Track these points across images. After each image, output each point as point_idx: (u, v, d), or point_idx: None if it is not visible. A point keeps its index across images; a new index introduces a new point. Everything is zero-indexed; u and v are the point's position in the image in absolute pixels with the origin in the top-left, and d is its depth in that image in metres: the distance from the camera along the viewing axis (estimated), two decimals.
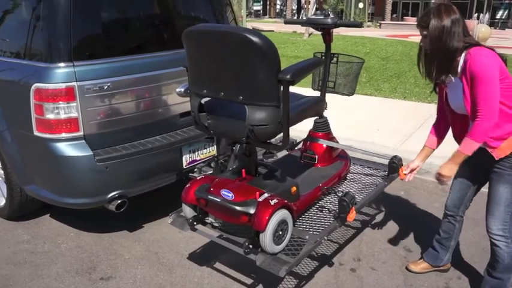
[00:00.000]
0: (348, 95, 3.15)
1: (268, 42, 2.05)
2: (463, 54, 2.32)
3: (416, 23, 2.44)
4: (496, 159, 2.40)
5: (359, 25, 2.89)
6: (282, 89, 2.12)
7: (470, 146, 2.36)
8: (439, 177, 2.52)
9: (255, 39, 2.02)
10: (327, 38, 2.96)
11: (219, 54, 2.18)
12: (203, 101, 2.43)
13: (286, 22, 3.46)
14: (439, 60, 2.38)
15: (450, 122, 2.62)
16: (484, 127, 2.29)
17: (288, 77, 2.07)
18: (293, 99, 2.26)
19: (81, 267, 3.10)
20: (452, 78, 2.42)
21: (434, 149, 2.76)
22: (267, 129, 2.18)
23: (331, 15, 2.80)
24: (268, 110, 2.14)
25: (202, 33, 2.25)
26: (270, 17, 40.65)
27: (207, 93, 2.33)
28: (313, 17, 2.86)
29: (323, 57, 3.00)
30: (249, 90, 2.15)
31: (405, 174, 2.79)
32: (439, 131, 2.72)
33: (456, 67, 2.37)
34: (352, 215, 2.57)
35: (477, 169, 2.64)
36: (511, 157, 2.38)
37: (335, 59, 3.06)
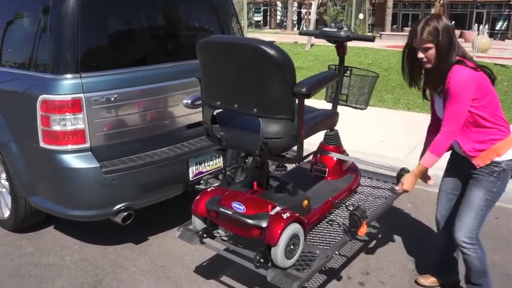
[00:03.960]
0: (361, 109, 3.13)
1: (284, 55, 2.03)
2: None
3: (418, 33, 2.37)
4: (477, 167, 2.48)
5: (372, 39, 2.87)
6: (297, 102, 2.10)
7: (430, 159, 2.50)
8: (403, 191, 2.69)
9: (271, 51, 2.00)
10: (341, 51, 2.96)
11: (234, 66, 2.16)
12: (215, 112, 2.41)
13: (301, 33, 3.47)
14: (441, 73, 2.39)
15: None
16: (444, 143, 2.44)
17: (304, 90, 2.05)
18: (306, 112, 2.24)
19: (86, 280, 3.05)
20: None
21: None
22: (281, 142, 2.16)
23: (345, 28, 2.79)
24: (282, 123, 2.12)
25: (217, 44, 2.24)
26: (270, 28, 40.78)
27: (220, 104, 2.32)
28: (327, 29, 2.86)
29: (337, 70, 2.99)
30: (263, 102, 2.13)
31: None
32: (434, 134, 2.64)
33: None
34: (363, 229, 2.53)
35: (460, 178, 2.69)
36: (490, 165, 2.45)
37: (348, 72, 3.05)
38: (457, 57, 2.38)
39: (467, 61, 2.38)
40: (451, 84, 2.33)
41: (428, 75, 2.53)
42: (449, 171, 2.77)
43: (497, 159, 2.43)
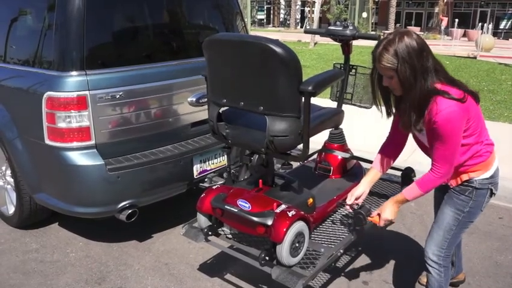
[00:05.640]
0: (366, 108, 3.12)
1: (291, 53, 2.03)
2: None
3: (376, 60, 2.07)
4: (450, 187, 2.34)
5: (377, 38, 2.85)
6: (303, 100, 2.10)
7: (415, 193, 2.26)
8: (385, 222, 2.38)
9: (277, 49, 2.00)
10: (346, 49, 2.95)
11: (240, 63, 2.16)
12: (221, 110, 2.41)
13: (306, 32, 3.45)
14: (412, 105, 2.08)
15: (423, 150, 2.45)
16: (435, 183, 2.20)
17: (310, 88, 2.05)
18: (312, 110, 2.24)
19: (90, 277, 3.06)
20: None
21: (383, 173, 2.58)
22: (287, 140, 2.16)
23: (351, 27, 2.78)
24: (288, 121, 2.13)
25: (223, 42, 2.24)
26: (273, 26, 40.75)
27: (226, 102, 2.32)
28: (333, 27, 2.85)
29: (342, 69, 2.99)
30: (270, 100, 2.13)
31: (349, 205, 2.52)
32: (389, 152, 2.55)
33: None
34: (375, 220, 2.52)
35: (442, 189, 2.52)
36: (461, 184, 2.30)
37: (353, 70, 3.05)
38: (436, 84, 2.05)
39: (452, 88, 2.06)
40: (438, 124, 2.02)
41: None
42: (438, 188, 2.55)
43: (468, 179, 2.27)
